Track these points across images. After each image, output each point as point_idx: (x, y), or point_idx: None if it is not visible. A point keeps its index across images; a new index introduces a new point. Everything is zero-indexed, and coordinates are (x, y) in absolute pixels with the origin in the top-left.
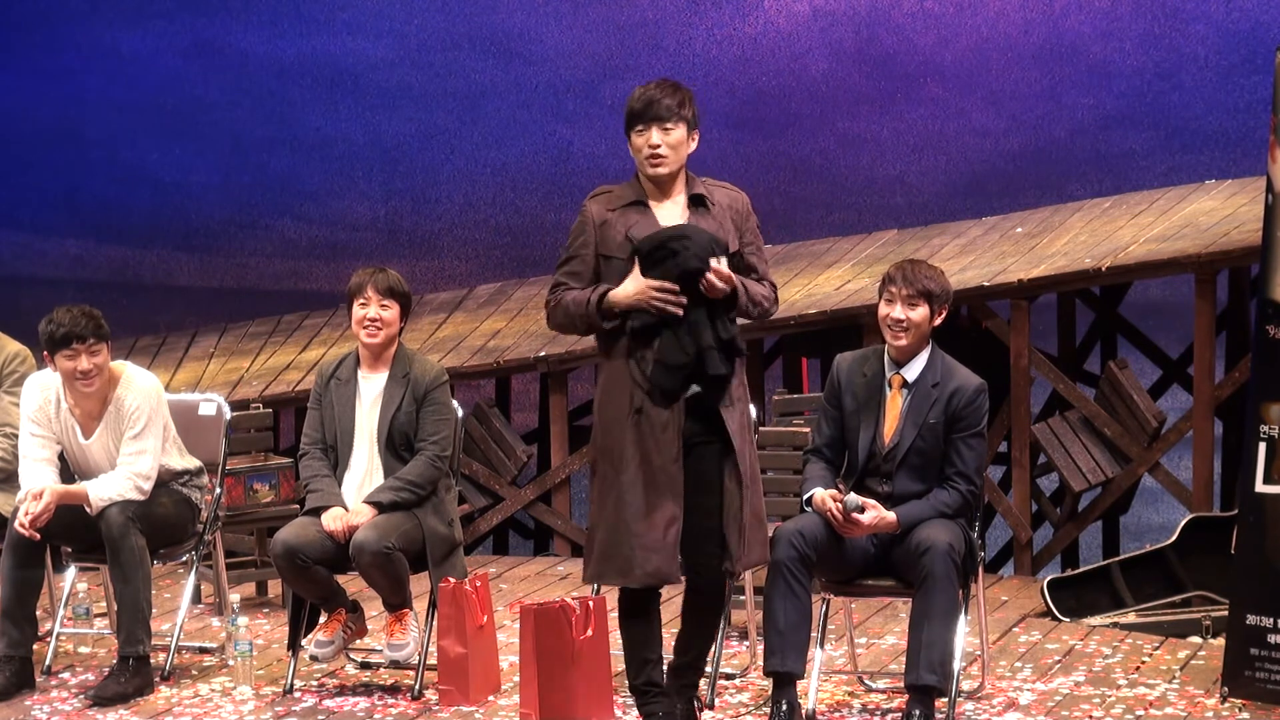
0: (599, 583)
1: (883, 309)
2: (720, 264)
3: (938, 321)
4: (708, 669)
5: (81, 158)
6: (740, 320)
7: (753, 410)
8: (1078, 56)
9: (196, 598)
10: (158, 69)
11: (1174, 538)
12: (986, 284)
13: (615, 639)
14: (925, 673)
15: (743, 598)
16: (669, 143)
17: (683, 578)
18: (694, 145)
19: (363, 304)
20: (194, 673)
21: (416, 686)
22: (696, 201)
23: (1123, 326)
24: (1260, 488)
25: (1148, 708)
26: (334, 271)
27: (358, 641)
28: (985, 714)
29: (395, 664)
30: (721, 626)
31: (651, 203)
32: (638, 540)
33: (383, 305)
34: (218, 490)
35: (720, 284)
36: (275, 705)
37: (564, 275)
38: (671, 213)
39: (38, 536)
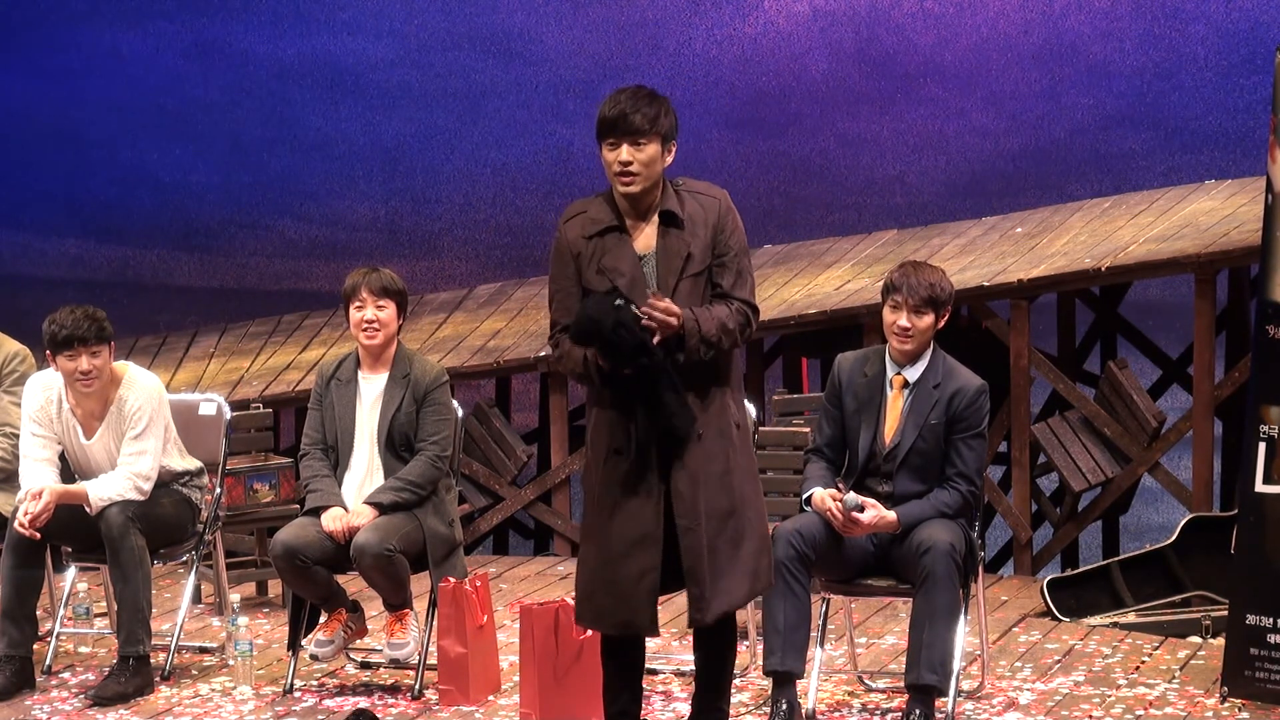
0: (582, 625)
1: (888, 316)
2: (657, 303)
3: (940, 324)
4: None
5: (81, 158)
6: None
7: (749, 418)
8: (1078, 56)
9: (196, 598)
10: (158, 69)
11: (1174, 538)
12: (986, 284)
13: None
14: (925, 672)
15: None
16: (641, 159)
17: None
18: (670, 159)
19: (359, 306)
20: (194, 673)
21: (416, 686)
22: (668, 220)
23: (1123, 326)
24: (1260, 488)
25: (1148, 708)
26: (334, 271)
27: (358, 641)
28: (985, 714)
29: (395, 664)
30: (733, 660)
31: (628, 222)
32: (610, 588)
33: (378, 306)
34: (218, 490)
35: (663, 319)
36: (275, 705)
37: (559, 313)
38: (646, 232)
39: (38, 536)
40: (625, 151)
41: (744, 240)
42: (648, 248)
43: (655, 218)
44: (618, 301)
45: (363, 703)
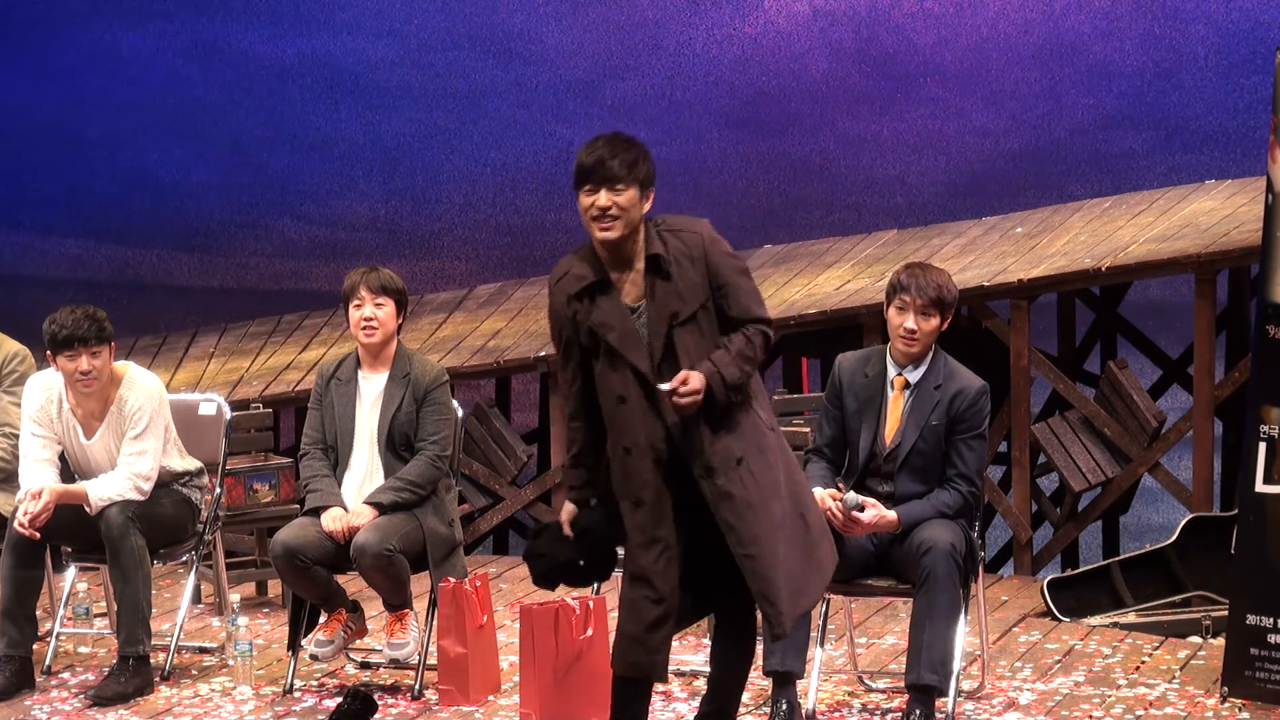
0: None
1: (894, 317)
2: (679, 390)
3: (944, 326)
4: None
5: (81, 158)
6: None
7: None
8: (1078, 56)
9: (196, 598)
10: (158, 69)
11: (1174, 538)
12: (986, 284)
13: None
14: (925, 672)
15: None
16: (620, 204)
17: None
18: (648, 206)
19: (357, 305)
20: (194, 673)
21: (416, 686)
22: (654, 268)
23: (1123, 326)
24: (1260, 488)
25: (1148, 708)
26: (334, 271)
27: (358, 641)
28: (985, 714)
29: (395, 664)
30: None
31: (612, 275)
32: (621, 628)
33: (377, 304)
34: (218, 490)
35: (692, 401)
36: (275, 705)
37: (561, 377)
38: (633, 282)
39: (37, 536)
40: (603, 197)
41: (737, 262)
42: (638, 299)
43: (641, 265)
44: (565, 534)
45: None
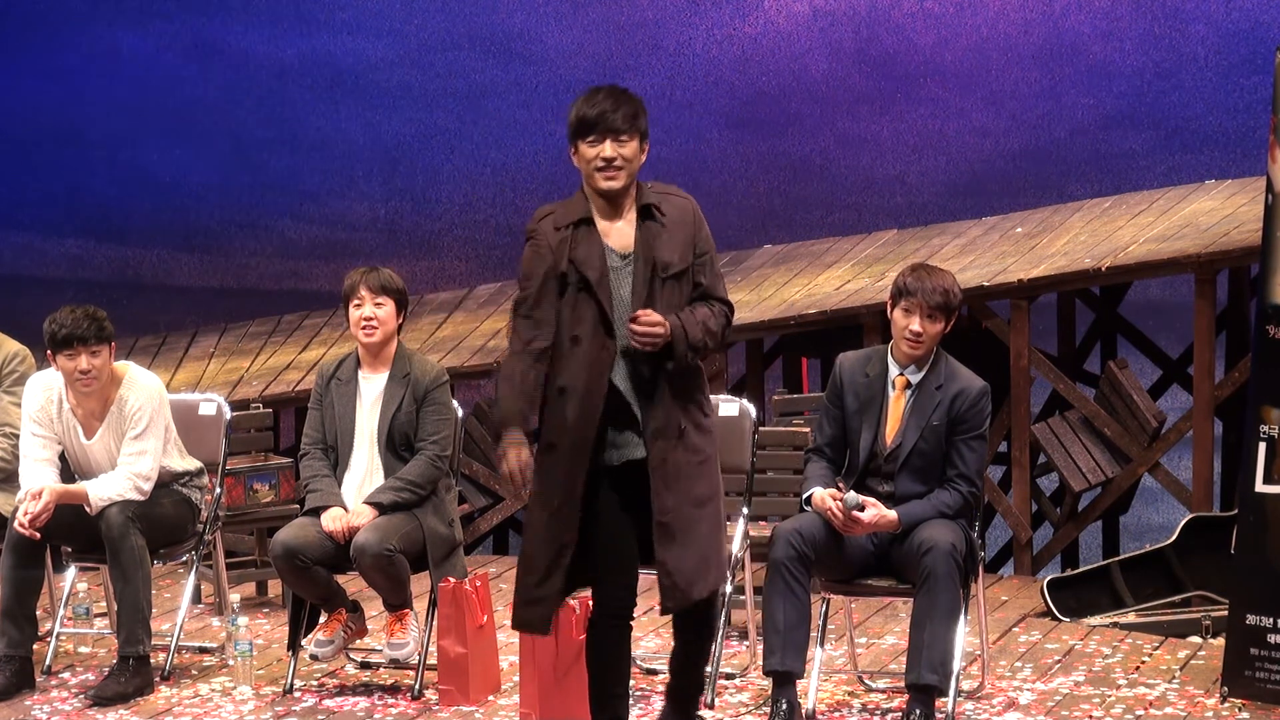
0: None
1: (900, 319)
2: (641, 319)
3: (948, 329)
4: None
5: (81, 158)
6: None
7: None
8: (1078, 56)
9: (196, 598)
10: (158, 69)
11: (1174, 538)
12: (986, 284)
13: None
14: (926, 672)
15: (743, 597)
16: (624, 154)
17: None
18: (644, 158)
19: (357, 304)
20: (194, 673)
21: (416, 686)
22: (646, 214)
23: (1123, 326)
24: (1260, 488)
25: (1148, 708)
26: (334, 271)
27: (358, 641)
28: (985, 714)
29: (395, 664)
30: (713, 646)
31: (600, 221)
32: (520, 584)
33: (376, 303)
34: (218, 490)
35: (650, 331)
36: (275, 705)
37: (524, 323)
38: (621, 230)
39: (38, 536)
40: (609, 147)
41: (712, 241)
42: (626, 247)
43: (632, 215)
44: None
45: (362, 703)
